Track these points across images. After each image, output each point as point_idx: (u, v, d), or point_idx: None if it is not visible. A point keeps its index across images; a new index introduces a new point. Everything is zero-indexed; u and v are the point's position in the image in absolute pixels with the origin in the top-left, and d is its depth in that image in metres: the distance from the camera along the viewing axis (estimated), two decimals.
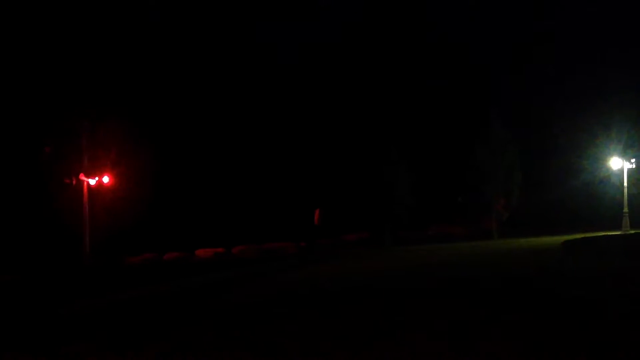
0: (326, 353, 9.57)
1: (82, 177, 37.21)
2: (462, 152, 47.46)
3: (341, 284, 19.50)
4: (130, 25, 48.40)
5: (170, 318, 14.99)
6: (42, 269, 34.87)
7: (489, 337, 9.93)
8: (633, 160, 41.17)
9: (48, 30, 43.61)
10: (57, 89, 41.18)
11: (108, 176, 38.29)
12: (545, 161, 49.08)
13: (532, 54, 52.31)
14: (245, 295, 18.66)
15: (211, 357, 9.95)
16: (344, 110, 51.02)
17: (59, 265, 36.40)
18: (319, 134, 48.71)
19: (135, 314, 16.28)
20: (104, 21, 46.28)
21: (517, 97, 51.39)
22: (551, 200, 48.04)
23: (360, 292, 17.06)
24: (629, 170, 40.90)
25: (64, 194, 38.04)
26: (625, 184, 40.38)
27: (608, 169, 43.03)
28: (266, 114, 51.75)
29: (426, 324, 11.52)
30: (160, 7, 53.43)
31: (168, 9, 54.45)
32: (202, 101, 52.22)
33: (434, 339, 10.07)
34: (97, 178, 37.43)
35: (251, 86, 53.37)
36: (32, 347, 11.74)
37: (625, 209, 39.95)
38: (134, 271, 33.86)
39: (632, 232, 36.62)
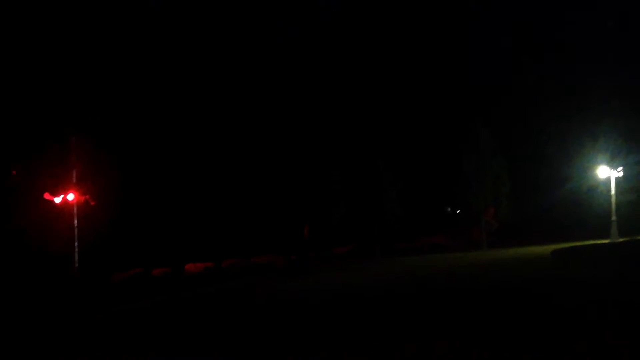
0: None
1: (47, 196, 36.65)
2: (450, 163, 47.60)
3: (326, 293, 19.46)
4: (99, 38, 48.02)
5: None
6: (29, 288, 34.51)
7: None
8: (620, 168, 41.33)
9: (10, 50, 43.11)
10: (24, 109, 40.82)
11: (73, 193, 37.22)
12: (533, 171, 49.21)
13: (518, 64, 52.55)
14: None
15: None
16: (331, 124, 51.04)
17: (48, 283, 36.04)
18: (306, 149, 48.65)
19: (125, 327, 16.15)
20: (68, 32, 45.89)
21: (504, 108, 51.55)
22: (540, 210, 48.14)
23: (341, 301, 17.01)
24: (616, 179, 41.04)
25: (43, 212, 37.51)
26: (613, 192, 40.50)
27: (595, 178, 43.16)
28: (255, 129, 51.65)
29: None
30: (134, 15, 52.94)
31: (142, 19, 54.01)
32: (192, 113, 52.03)
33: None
34: (62, 196, 36.64)
35: (239, 97, 53.28)
36: None
37: (614, 217, 40.03)
38: (119, 289, 33.59)
39: (621, 240, 36.66)
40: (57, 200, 36.70)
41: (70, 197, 37.03)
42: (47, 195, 36.79)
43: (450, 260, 33.43)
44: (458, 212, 51.17)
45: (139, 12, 52.60)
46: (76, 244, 36.74)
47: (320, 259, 44.67)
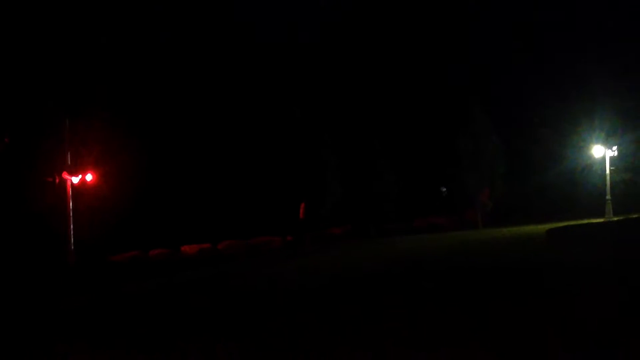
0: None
1: (65, 175, 36.82)
2: (445, 143, 47.66)
3: (322, 276, 19.61)
4: (110, 18, 47.79)
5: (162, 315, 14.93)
6: (24, 269, 34.56)
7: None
8: (615, 147, 41.52)
9: (27, 24, 42.94)
10: (36, 85, 40.62)
11: (92, 174, 37.84)
12: (528, 151, 49.34)
13: (512, 43, 52.52)
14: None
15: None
16: (327, 103, 50.92)
17: (43, 265, 36.12)
18: (302, 129, 48.56)
19: (121, 311, 16.21)
20: (80, 13, 45.57)
21: (499, 87, 51.58)
22: (535, 189, 48.38)
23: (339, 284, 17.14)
24: (611, 158, 41.22)
25: (45, 193, 37.60)
26: (608, 171, 40.70)
27: (590, 157, 43.34)
28: (251, 109, 51.55)
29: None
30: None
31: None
32: (187, 97, 51.93)
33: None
34: (80, 176, 37.01)
35: (235, 80, 53.13)
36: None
37: (608, 196, 40.28)
38: (118, 269, 33.69)
39: (615, 219, 36.91)
40: (75, 180, 36.85)
41: (89, 177, 37.30)
42: (64, 175, 36.89)
43: (445, 239, 33.59)
44: (453, 192, 51.31)
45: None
46: (71, 226, 36.87)
47: (317, 240, 44.77)
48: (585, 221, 36.04)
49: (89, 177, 37.50)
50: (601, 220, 37.51)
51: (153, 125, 47.83)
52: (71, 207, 36.99)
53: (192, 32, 53.74)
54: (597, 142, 41.93)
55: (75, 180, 36.92)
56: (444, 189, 55.71)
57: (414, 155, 52.02)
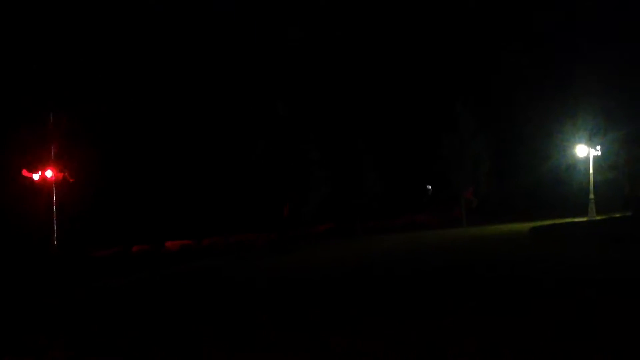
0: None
1: (25, 173, 36.35)
2: (430, 141, 47.71)
3: (301, 271, 19.56)
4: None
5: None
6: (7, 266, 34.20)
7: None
8: (598, 147, 41.70)
9: None
10: (15, 80, 40.20)
11: (52, 170, 36.97)
12: (513, 150, 49.55)
13: (498, 43, 52.65)
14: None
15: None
16: (312, 100, 50.81)
17: (27, 261, 35.78)
18: (286, 125, 48.42)
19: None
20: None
21: (485, 89, 51.68)
22: (519, 188, 48.62)
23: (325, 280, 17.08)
24: (595, 158, 41.42)
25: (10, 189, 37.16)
26: (591, 171, 40.88)
27: (574, 156, 43.52)
28: (236, 105, 51.34)
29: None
30: None
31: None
32: (171, 94, 51.58)
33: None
34: (40, 173, 36.34)
35: (220, 76, 52.87)
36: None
37: (592, 196, 40.43)
38: (99, 264, 33.46)
39: (598, 218, 37.14)
40: (36, 177, 36.39)
41: (49, 173, 36.73)
42: (25, 172, 36.45)
43: (429, 237, 33.66)
44: (439, 190, 51.42)
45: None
46: (54, 221, 36.58)
47: (300, 237, 44.72)
48: (569, 220, 36.26)
49: (48, 174, 36.62)
50: (584, 219, 37.75)
51: (135, 122, 47.45)
52: (54, 203, 36.73)
53: (174, 26, 53.27)
54: (580, 142, 42.11)
55: (36, 177, 36.27)
56: (429, 187, 55.80)
57: (399, 153, 52.07)
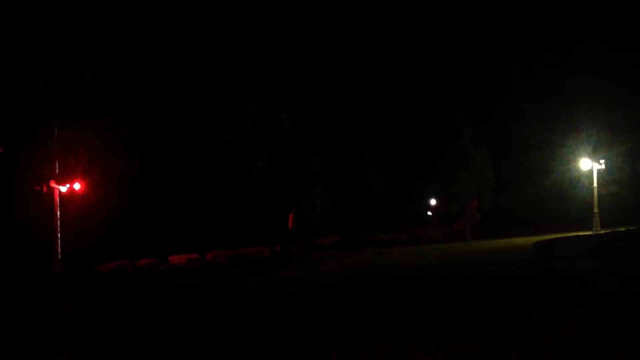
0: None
1: (53, 184, 36.73)
2: (434, 154, 47.86)
3: (305, 288, 19.51)
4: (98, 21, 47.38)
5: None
6: (8, 279, 34.21)
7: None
8: (602, 161, 41.79)
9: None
10: (24, 92, 40.35)
11: (80, 183, 37.81)
12: (516, 163, 49.63)
13: (501, 56, 52.81)
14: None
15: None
16: (315, 113, 50.89)
17: (28, 274, 35.79)
18: (290, 137, 48.55)
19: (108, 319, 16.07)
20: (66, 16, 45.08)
21: (488, 100, 51.82)
22: (523, 202, 48.61)
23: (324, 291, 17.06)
24: (599, 171, 41.48)
25: (32, 202, 37.40)
26: (595, 184, 40.92)
27: (578, 170, 43.60)
28: (237, 118, 51.42)
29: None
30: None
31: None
32: (175, 102, 51.64)
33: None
34: (68, 185, 36.94)
35: (218, 78, 52.88)
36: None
37: (596, 210, 40.47)
38: (104, 278, 33.45)
39: (602, 232, 37.12)
40: (63, 189, 36.68)
41: (77, 186, 37.16)
42: (52, 183, 36.76)
43: (433, 251, 33.61)
44: (442, 204, 51.47)
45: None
46: (59, 235, 36.70)
47: (304, 250, 44.77)
48: (573, 234, 36.24)
49: (77, 186, 37.44)
50: (589, 233, 37.73)
51: (143, 136, 47.51)
52: (58, 216, 36.89)
53: (175, 35, 53.41)
54: (584, 155, 42.20)
55: (64, 189, 36.83)
56: (433, 200, 55.82)
57: (403, 167, 52.15)
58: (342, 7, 57.49)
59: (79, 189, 37.65)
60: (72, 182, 37.30)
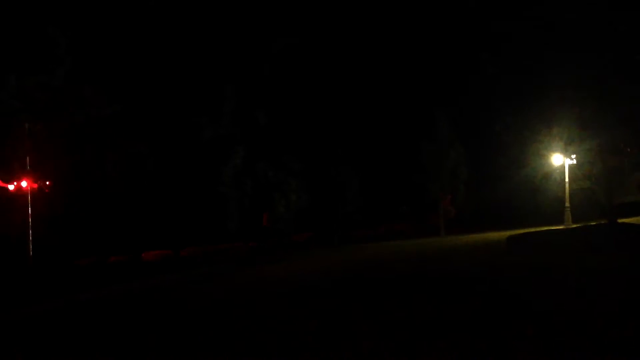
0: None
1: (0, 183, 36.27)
2: (409, 151, 47.94)
3: (277, 284, 19.48)
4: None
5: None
6: None
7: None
8: (574, 156, 42.16)
9: None
10: None
11: (26, 181, 37.03)
12: (490, 159, 49.84)
13: (473, 53, 52.94)
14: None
15: None
16: (291, 110, 50.78)
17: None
18: (265, 136, 48.41)
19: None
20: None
21: (462, 95, 51.98)
22: (497, 197, 48.88)
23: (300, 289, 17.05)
24: (570, 166, 41.85)
25: None
26: (567, 179, 41.29)
27: (550, 165, 43.93)
28: (212, 114, 51.11)
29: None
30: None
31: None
32: (149, 98, 51.12)
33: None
34: (15, 183, 36.32)
35: (200, 84, 52.57)
36: None
37: (567, 204, 40.83)
38: (74, 277, 33.06)
39: (574, 226, 37.44)
40: (11, 187, 36.14)
41: (24, 184, 36.56)
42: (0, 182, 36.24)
43: (407, 246, 33.72)
44: (417, 199, 51.59)
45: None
46: (30, 232, 36.22)
47: (280, 247, 44.70)
48: (545, 228, 36.51)
49: (24, 184, 36.68)
50: (560, 227, 38.04)
51: (112, 130, 46.97)
52: (30, 214, 36.39)
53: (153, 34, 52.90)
54: (556, 151, 42.53)
55: (11, 187, 36.24)
56: (404, 207, 55.79)
57: (378, 163, 52.16)
58: (316, 7, 57.29)
59: (26, 187, 36.83)
60: (19, 181, 36.63)
